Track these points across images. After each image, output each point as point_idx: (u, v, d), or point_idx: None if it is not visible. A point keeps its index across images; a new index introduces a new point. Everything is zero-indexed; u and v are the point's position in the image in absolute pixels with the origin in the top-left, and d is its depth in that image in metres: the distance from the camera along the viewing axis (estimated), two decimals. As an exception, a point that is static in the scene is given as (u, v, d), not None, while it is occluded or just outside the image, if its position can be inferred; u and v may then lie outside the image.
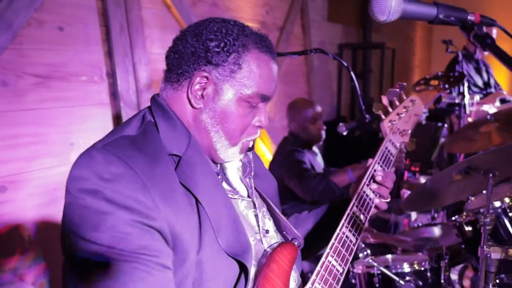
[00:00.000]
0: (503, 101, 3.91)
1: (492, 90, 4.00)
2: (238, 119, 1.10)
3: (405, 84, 1.53)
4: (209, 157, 1.13)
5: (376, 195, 1.30)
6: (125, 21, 2.83)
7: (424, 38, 8.66)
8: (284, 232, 1.23)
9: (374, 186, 1.30)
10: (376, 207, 1.31)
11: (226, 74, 1.06)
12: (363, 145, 4.55)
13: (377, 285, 2.02)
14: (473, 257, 2.14)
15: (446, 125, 3.20)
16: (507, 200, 2.05)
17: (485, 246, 1.81)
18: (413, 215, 3.06)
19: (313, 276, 1.10)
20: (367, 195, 1.28)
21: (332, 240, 1.14)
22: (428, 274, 2.03)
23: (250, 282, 1.06)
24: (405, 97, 1.55)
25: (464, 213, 2.17)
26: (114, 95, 2.79)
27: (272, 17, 4.43)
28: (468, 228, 2.10)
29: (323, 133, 2.96)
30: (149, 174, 0.96)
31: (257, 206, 1.18)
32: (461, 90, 3.32)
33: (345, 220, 1.19)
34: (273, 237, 1.19)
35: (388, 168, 1.38)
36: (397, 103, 1.52)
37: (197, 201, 1.02)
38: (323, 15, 5.41)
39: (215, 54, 1.05)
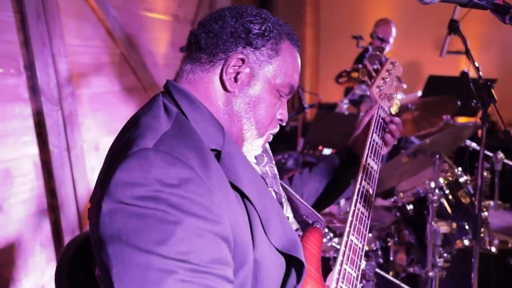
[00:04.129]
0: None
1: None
2: (269, 108, 1.07)
3: (382, 46, 1.55)
4: None
5: (378, 165, 1.34)
6: (41, 8, 2.58)
7: (313, 36, 9.10)
8: (304, 217, 1.22)
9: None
10: None
11: (263, 59, 1.04)
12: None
13: (332, 268, 2.09)
14: (413, 233, 2.31)
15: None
16: (441, 180, 2.25)
17: (432, 222, 1.97)
18: (342, 201, 3.21)
19: (340, 257, 1.11)
20: (371, 167, 1.31)
21: (350, 218, 1.17)
22: (379, 253, 2.16)
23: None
24: (384, 59, 1.54)
25: (401, 194, 2.34)
26: (34, 89, 2.52)
27: (184, 11, 4.33)
28: (410, 207, 2.26)
29: None
30: (208, 176, 0.88)
31: (282, 195, 1.16)
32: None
33: (357, 195, 1.21)
34: (293, 223, 1.18)
35: (383, 135, 1.43)
36: (378, 66, 1.51)
37: (243, 197, 0.96)
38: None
39: (256, 36, 1.02)
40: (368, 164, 1.29)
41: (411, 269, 2.14)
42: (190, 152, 0.89)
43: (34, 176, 2.49)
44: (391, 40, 4.35)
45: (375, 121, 1.40)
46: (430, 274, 1.98)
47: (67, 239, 2.63)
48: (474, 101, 1.80)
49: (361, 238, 1.17)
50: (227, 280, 0.85)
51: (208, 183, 0.87)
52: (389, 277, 2.02)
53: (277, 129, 1.14)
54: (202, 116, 1.00)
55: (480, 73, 1.84)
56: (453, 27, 2.11)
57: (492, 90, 1.72)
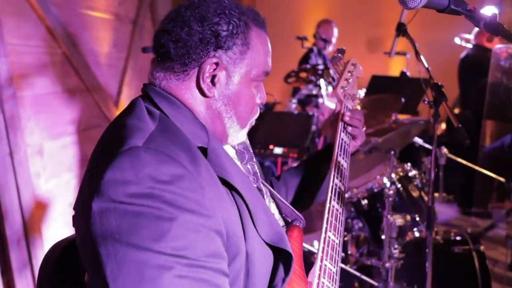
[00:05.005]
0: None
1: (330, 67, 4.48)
2: (249, 101, 1.08)
3: (344, 48, 1.58)
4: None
5: (347, 163, 1.39)
6: (-21, 5, 2.42)
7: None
8: (283, 215, 1.24)
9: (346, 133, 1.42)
10: None
11: (236, 56, 1.03)
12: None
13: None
14: (367, 226, 2.41)
15: (316, 114, 3.51)
16: (393, 175, 2.36)
17: (388, 215, 2.07)
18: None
19: (319, 253, 1.14)
20: (342, 165, 1.35)
21: (326, 214, 1.19)
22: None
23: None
24: (345, 61, 1.58)
25: (355, 190, 2.42)
26: (-27, 91, 2.37)
27: (125, 9, 4.22)
28: (364, 202, 2.35)
29: None
30: (198, 172, 0.88)
31: (264, 192, 1.17)
32: (318, 82, 3.65)
33: (331, 193, 1.24)
34: (279, 220, 1.20)
35: (350, 135, 1.47)
36: (340, 68, 1.55)
37: (233, 191, 0.97)
38: (169, 10, 5.36)
39: (225, 38, 1.00)
40: (339, 162, 1.34)
41: (368, 262, 2.22)
42: (178, 150, 0.90)
43: (-25, 184, 2.34)
44: (334, 40, 4.49)
45: (342, 120, 1.45)
46: (387, 265, 2.07)
47: (12, 248, 2.50)
48: (425, 99, 1.90)
49: (338, 234, 1.20)
50: (223, 273, 0.86)
51: (199, 179, 0.88)
52: (351, 270, 2.09)
53: (258, 114, 1.15)
54: (184, 116, 1.01)
55: (429, 73, 1.95)
56: (402, 30, 2.22)
57: (443, 89, 1.83)
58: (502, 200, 4.60)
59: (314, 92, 3.75)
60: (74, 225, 0.95)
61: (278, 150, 3.07)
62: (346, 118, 1.42)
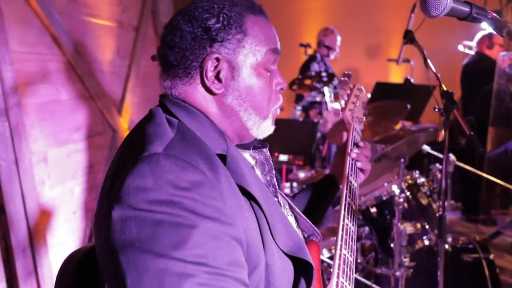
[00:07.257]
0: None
1: (337, 90, 4.50)
2: (263, 88, 1.05)
3: (350, 72, 1.60)
4: (241, 139, 1.08)
5: (357, 182, 1.38)
6: (-16, 12, 2.41)
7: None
8: (301, 230, 1.22)
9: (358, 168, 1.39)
10: None
11: (234, 46, 1.01)
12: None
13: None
14: (375, 234, 2.39)
15: (321, 121, 3.50)
16: (403, 184, 2.35)
17: (398, 223, 2.05)
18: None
19: (335, 270, 1.11)
20: (352, 184, 1.34)
21: (340, 232, 1.17)
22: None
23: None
24: (351, 85, 1.61)
25: (363, 198, 2.41)
26: (-22, 99, 2.35)
27: (128, 17, 4.22)
28: (373, 210, 2.34)
29: None
30: (218, 180, 0.88)
31: (282, 204, 1.15)
32: (322, 89, 3.64)
33: (344, 211, 1.21)
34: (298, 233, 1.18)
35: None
36: (347, 92, 1.57)
37: (251, 200, 0.96)
38: (170, 18, 5.37)
39: (217, 31, 0.99)
40: (350, 182, 1.32)
41: (378, 270, 2.20)
42: (198, 157, 0.89)
43: (-19, 193, 2.32)
44: (337, 48, 4.50)
45: (351, 141, 1.44)
46: (397, 273, 2.06)
47: (17, 257, 2.47)
48: (436, 107, 1.89)
49: (351, 251, 1.18)
50: (243, 283, 0.85)
51: (219, 186, 0.87)
52: (362, 279, 2.07)
53: (281, 101, 1.12)
54: (201, 123, 1.00)
55: (439, 80, 1.94)
56: (409, 37, 2.22)
57: (454, 97, 1.82)
58: (506, 207, 4.58)
59: (318, 99, 3.75)
60: (94, 233, 0.94)
61: (283, 158, 3.05)
62: (353, 155, 1.38)
